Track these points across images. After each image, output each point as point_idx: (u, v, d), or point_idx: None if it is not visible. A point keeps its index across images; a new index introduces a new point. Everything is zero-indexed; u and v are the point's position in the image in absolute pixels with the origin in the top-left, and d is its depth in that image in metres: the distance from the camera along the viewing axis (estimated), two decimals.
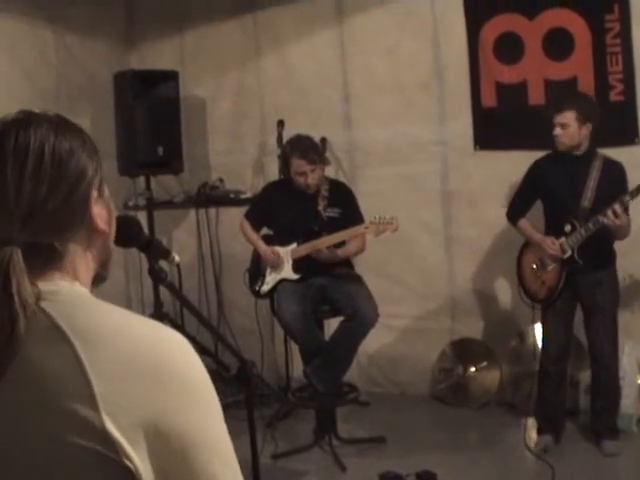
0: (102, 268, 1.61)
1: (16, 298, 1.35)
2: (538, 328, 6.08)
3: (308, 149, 5.92)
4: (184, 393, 1.39)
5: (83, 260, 1.52)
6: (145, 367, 1.36)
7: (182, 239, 7.74)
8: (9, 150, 1.45)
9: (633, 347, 5.86)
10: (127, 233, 1.65)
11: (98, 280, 1.60)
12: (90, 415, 1.30)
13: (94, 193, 1.50)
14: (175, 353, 1.42)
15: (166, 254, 2.42)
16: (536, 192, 5.70)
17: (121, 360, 1.35)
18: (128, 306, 7.41)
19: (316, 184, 5.95)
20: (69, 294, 1.45)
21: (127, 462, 1.31)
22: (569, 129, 5.36)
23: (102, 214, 1.53)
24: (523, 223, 5.78)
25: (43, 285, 1.43)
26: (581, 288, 5.53)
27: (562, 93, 5.99)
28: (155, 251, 2.39)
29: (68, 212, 1.46)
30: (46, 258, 1.45)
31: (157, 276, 2.42)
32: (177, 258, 2.45)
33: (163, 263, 2.46)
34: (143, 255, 2.46)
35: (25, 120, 1.50)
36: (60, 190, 1.45)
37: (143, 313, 7.40)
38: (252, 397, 2.85)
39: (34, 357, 1.36)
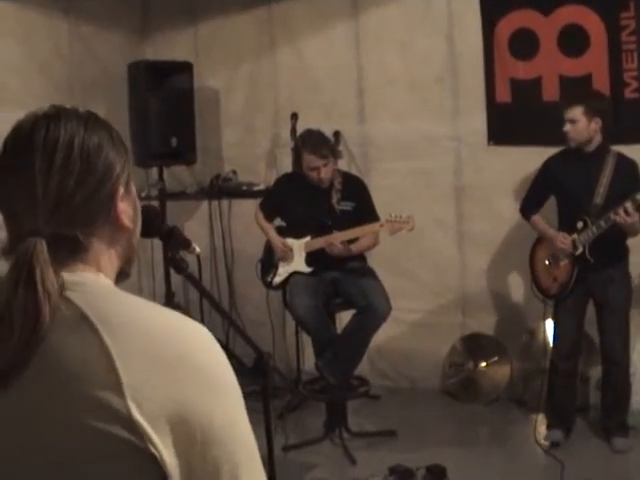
0: (126, 265, 1.63)
1: (39, 287, 1.38)
2: (549, 324, 6.08)
3: (319, 144, 5.92)
4: (208, 385, 1.41)
5: (106, 255, 1.54)
6: (170, 358, 1.38)
7: (194, 230, 7.72)
8: (39, 143, 1.47)
9: None
10: (149, 223, 1.66)
11: (121, 276, 1.62)
12: (116, 402, 1.33)
13: (120, 190, 1.52)
14: (199, 345, 1.45)
15: (187, 244, 2.43)
16: (549, 188, 5.71)
17: (146, 350, 1.37)
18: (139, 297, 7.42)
19: (329, 178, 5.96)
20: (94, 285, 1.48)
21: (152, 449, 1.33)
22: (577, 124, 5.37)
23: (127, 211, 1.55)
24: (536, 219, 5.78)
25: (68, 276, 1.45)
26: (593, 285, 5.53)
27: (571, 90, 5.99)
28: (176, 241, 2.39)
29: (94, 207, 1.49)
30: (70, 250, 1.48)
31: (178, 266, 2.43)
32: (197, 249, 2.46)
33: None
34: (155, 246, 2.48)
35: (55, 115, 1.52)
36: (87, 184, 1.47)
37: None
38: (268, 389, 2.86)
39: (61, 346, 1.38)
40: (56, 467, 1.37)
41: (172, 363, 1.38)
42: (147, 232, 1.71)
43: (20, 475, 1.40)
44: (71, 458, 1.36)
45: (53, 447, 1.37)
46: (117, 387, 1.33)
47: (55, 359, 1.37)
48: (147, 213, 1.70)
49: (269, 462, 2.86)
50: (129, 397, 1.33)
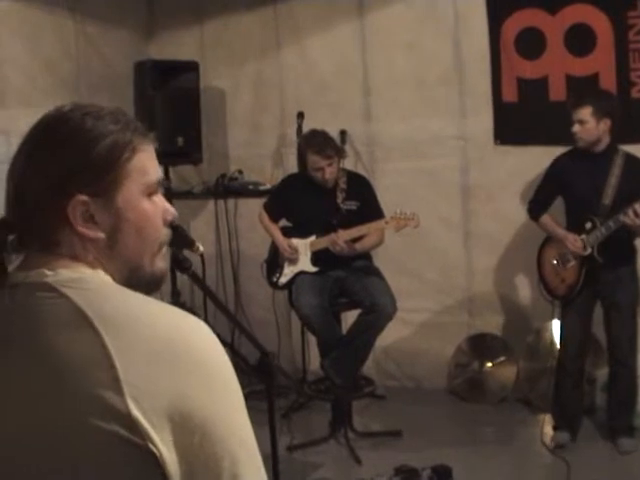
0: (130, 278, 1.58)
1: None
2: (555, 324, 6.07)
3: (323, 144, 5.92)
4: (208, 382, 1.40)
5: (87, 257, 1.52)
6: (169, 354, 1.37)
7: (200, 230, 7.74)
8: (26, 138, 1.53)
9: None
10: None
11: (138, 288, 1.55)
12: (115, 400, 1.32)
13: (80, 197, 1.47)
14: (199, 341, 1.44)
15: (190, 243, 2.42)
16: (557, 188, 5.68)
17: (145, 347, 1.37)
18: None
19: (334, 178, 5.96)
20: (91, 281, 1.47)
21: (151, 447, 1.33)
22: (586, 125, 5.35)
23: (103, 220, 1.51)
24: (545, 219, 5.76)
25: (65, 272, 1.46)
26: (601, 285, 5.51)
27: (580, 90, 5.97)
28: (179, 240, 2.38)
29: (44, 212, 1.48)
30: (44, 248, 1.49)
31: (181, 265, 2.42)
32: (201, 248, 2.45)
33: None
34: None
35: (51, 110, 1.53)
36: (40, 178, 1.47)
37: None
38: (272, 389, 2.85)
39: (58, 343, 1.38)
40: (55, 465, 1.37)
41: (171, 360, 1.37)
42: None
43: (19, 474, 1.40)
44: (70, 456, 1.36)
45: (52, 445, 1.36)
46: (115, 384, 1.33)
47: (54, 356, 1.37)
48: None
49: (273, 461, 2.86)
50: (128, 394, 1.32)
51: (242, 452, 1.41)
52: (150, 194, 1.57)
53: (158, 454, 1.33)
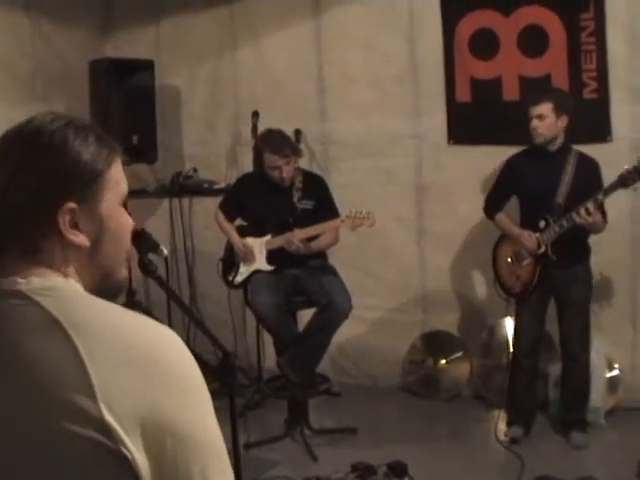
0: (102, 285, 1.61)
1: None
2: (509, 321, 6.14)
3: (280, 143, 5.94)
4: (179, 390, 1.43)
5: (64, 267, 1.53)
6: (141, 361, 1.40)
7: (155, 228, 7.59)
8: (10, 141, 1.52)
9: (601, 342, 5.92)
10: None
11: (104, 294, 1.58)
12: (88, 405, 1.34)
13: (69, 204, 1.49)
14: (170, 349, 1.47)
15: (155, 247, 2.44)
16: (511, 187, 5.74)
17: (117, 354, 1.39)
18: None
19: (290, 177, 5.98)
20: (64, 290, 1.49)
21: (124, 451, 1.35)
22: (546, 120, 5.40)
23: (88, 228, 1.53)
24: (500, 217, 5.81)
25: (38, 281, 1.47)
26: (556, 283, 5.58)
27: (538, 87, 6.04)
28: (145, 244, 2.41)
29: (32, 214, 1.48)
30: (20, 257, 1.50)
31: (146, 269, 2.44)
32: (165, 251, 2.48)
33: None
34: None
35: (31, 119, 1.54)
36: (28, 188, 1.47)
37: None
38: (234, 389, 2.88)
39: (32, 350, 1.39)
40: (31, 470, 1.39)
41: (143, 366, 1.40)
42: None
43: None
44: (44, 461, 1.37)
45: (27, 450, 1.38)
46: (88, 390, 1.35)
47: (27, 363, 1.39)
48: None
49: (235, 459, 2.88)
50: (101, 400, 1.34)
51: (212, 458, 1.45)
52: (122, 204, 1.61)
53: (130, 457, 1.35)
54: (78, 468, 1.37)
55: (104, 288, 1.61)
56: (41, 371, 1.37)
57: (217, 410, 2.94)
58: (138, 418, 1.36)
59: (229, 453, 1.49)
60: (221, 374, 2.81)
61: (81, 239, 1.52)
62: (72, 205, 1.49)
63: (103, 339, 1.40)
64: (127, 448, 1.35)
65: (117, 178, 1.59)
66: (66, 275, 1.53)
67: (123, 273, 1.65)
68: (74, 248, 1.52)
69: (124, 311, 1.50)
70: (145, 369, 1.39)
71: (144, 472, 1.38)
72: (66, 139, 1.51)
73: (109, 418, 1.34)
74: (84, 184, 1.51)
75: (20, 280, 1.47)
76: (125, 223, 1.63)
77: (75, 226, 1.51)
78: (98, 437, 1.34)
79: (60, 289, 1.48)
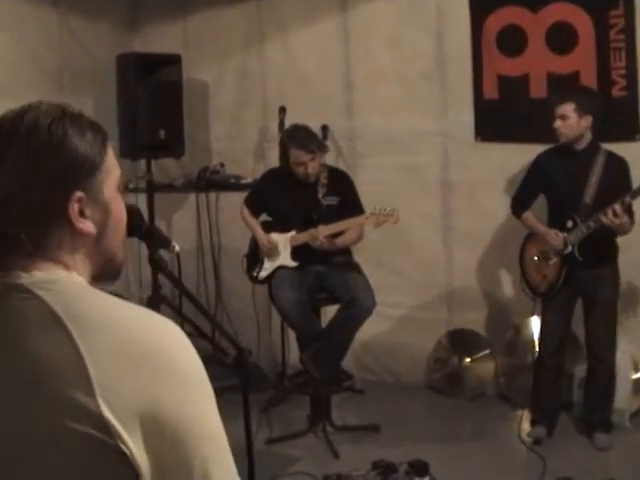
0: (104, 269, 1.62)
1: None
2: (535, 321, 6.10)
3: (306, 139, 5.94)
4: (179, 384, 1.42)
5: (70, 257, 1.53)
6: (140, 355, 1.39)
7: (182, 223, 7.76)
8: (0, 137, 1.49)
9: (628, 343, 5.87)
10: (127, 222, 1.67)
11: (103, 279, 1.62)
12: (86, 400, 1.34)
13: (78, 193, 1.50)
14: (170, 342, 1.46)
15: (166, 243, 2.44)
16: (539, 186, 5.70)
17: (117, 348, 1.38)
18: (126, 288, 7.44)
19: (315, 173, 5.98)
20: (66, 283, 1.48)
21: (123, 447, 1.34)
22: (568, 121, 5.36)
23: (94, 216, 1.54)
24: (527, 215, 5.78)
25: (40, 275, 1.47)
26: (582, 283, 5.53)
27: (563, 86, 6.00)
28: (155, 240, 2.41)
29: (43, 209, 1.48)
30: (23, 249, 1.48)
31: (157, 265, 2.44)
32: (177, 247, 2.47)
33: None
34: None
35: (25, 109, 1.52)
36: (36, 187, 1.46)
37: (142, 295, 7.43)
38: (247, 385, 2.87)
39: (31, 343, 1.39)
40: (30, 466, 1.38)
41: (142, 361, 1.39)
42: (127, 231, 1.72)
43: None
44: (44, 457, 1.37)
45: (26, 446, 1.38)
46: (87, 385, 1.34)
47: (26, 356, 1.38)
48: (127, 212, 1.70)
49: (248, 454, 2.88)
50: (99, 395, 1.34)
51: (213, 451, 1.43)
52: (117, 189, 1.61)
53: (129, 454, 1.35)
54: (77, 464, 1.36)
55: (106, 272, 1.62)
56: (41, 365, 1.37)
57: (236, 404, 2.95)
58: (137, 413, 1.36)
59: (241, 448, 1.49)
60: (235, 369, 2.80)
61: (89, 226, 1.52)
62: (80, 194, 1.50)
63: (103, 333, 1.39)
64: (126, 444, 1.35)
65: (112, 162, 1.59)
66: (71, 267, 1.52)
67: (122, 255, 1.66)
68: (82, 236, 1.52)
69: (126, 305, 1.49)
70: (145, 363, 1.39)
71: (144, 468, 1.37)
72: (65, 132, 1.50)
73: (107, 414, 1.33)
74: (88, 173, 1.52)
75: (23, 274, 1.47)
76: (122, 206, 1.64)
77: (82, 214, 1.51)
78: (96, 434, 1.33)
79: (62, 283, 1.48)
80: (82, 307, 1.43)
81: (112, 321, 1.43)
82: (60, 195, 1.48)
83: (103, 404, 1.33)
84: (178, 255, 2.75)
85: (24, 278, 1.46)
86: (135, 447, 1.35)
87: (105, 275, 1.62)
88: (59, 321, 1.39)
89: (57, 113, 1.53)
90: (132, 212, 2.25)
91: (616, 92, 5.98)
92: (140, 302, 7.28)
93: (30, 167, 1.46)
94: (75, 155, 1.50)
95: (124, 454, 1.35)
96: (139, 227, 2.36)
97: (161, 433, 1.38)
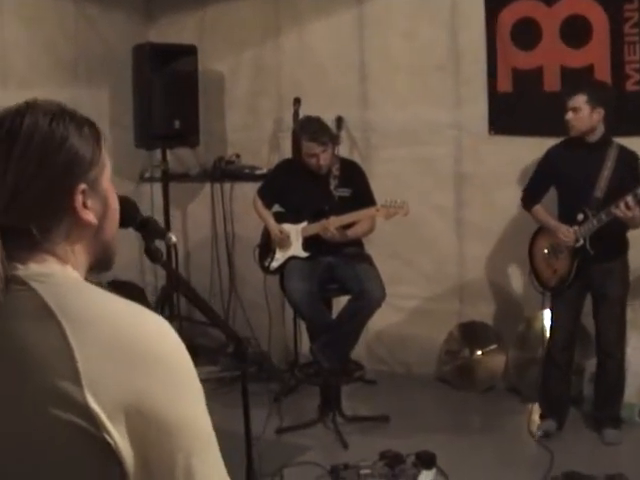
0: (100, 259, 1.66)
1: None
2: (546, 314, 6.07)
3: (318, 131, 5.96)
4: (165, 376, 1.43)
5: (69, 249, 1.56)
6: (128, 349, 1.41)
7: (197, 212, 7.80)
8: (1, 136, 1.50)
9: (638, 338, 5.86)
10: (122, 214, 1.69)
11: (97, 269, 1.66)
12: (73, 390, 1.35)
13: (82, 186, 1.53)
14: (158, 337, 1.47)
15: (162, 234, 2.46)
16: (550, 179, 5.68)
17: (106, 342, 1.40)
18: (141, 278, 7.49)
19: (327, 164, 6.00)
20: (61, 277, 1.51)
21: (107, 437, 1.36)
22: (580, 113, 5.34)
23: (94, 207, 1.57)
24: (538, 209, 5.76)
25: (36, 267, 1.49)
26: (592, 277, 5.52)
27: (577, 80, 5.98)
28: (151, 231, 2.43)
29: (49, 201, 1.51)
30: (28, 242, 1.50)
31: (153, 256, 2.46)
32: (174, 238, 2.49)
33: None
34: None
35: (23, 108, 1.55)
36: (43, 179, 1.49)
37: (156, 284, 7.48)
38: (246, 375, 2.89)
39: (22, 334, 1.41)
40: (14, 454, 1.41)
41: (130, 355, 1.41)
42: (121, 222, 1.75)
43: None
44: (29, 445, 1.39)
45: (12, 434, 1.40)
46: (74, 376, 1.36)
47: (16, 346, 1.41)
48: (121, 204, 1.73)
49: (246, 444, 2.90)
50: (86, 386, 1.36)
51: (197, 445, 1.44)
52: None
53: (113, 444, 1.36)
54: (62, 453, 1.38)
55: (102, 261, 1.66)
56: (31, 356, 1.39)
57: (251, 394, 2.97)
58: (123, 405, 1.37)
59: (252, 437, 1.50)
60: (235, 359, 2.82)
61: (92, 217, 1.56)
62: (83, 186, 1.53)
63: (93, 327, 1.41)
64: (110, 435, 1.36)
65: (106, 155, 1.63)
66: (66, 261, 1.55)
67: (116, 244, 1.69)
68: (85, 227, 1.56)
69: (118, 300, 1.51)
70: (132, 357, 1.40)
71: (128, 459, 1.39)
72: (66, 128, 1.54)
73: (93, 405, 1.35)
74: (88, 167, 1.55)
75: (19, 266, 1.49)
76: (116, 198, 1.67)
77: (84, 206, 1.54)
78: (81, 423, 1.35)
79: (56, 276, 1.50)
80: (75, 301, 1.45)
81: (103, 316, 1.45)
82: (66, 189, 1.51)
83: (89, 395, 1.35)
84: (175, 246, 2.77)
85: (20, 270, 1.48)
86: (120, 438, 1.37)
87: (101, 265, 1.66)
88: (51, 313, 1.41)
89: (56, 110, 1.56)
90: (127, 203, 2.28)
91: (630, 86, 5.96)
92: (155, 291, 7.38)
93: (34, 164, 1.49)
94: (76, 151, 1.53)
95: (108, 444, 1.36)
96: (134, 218, 2.38)
97: (146, 426, 1.39)
